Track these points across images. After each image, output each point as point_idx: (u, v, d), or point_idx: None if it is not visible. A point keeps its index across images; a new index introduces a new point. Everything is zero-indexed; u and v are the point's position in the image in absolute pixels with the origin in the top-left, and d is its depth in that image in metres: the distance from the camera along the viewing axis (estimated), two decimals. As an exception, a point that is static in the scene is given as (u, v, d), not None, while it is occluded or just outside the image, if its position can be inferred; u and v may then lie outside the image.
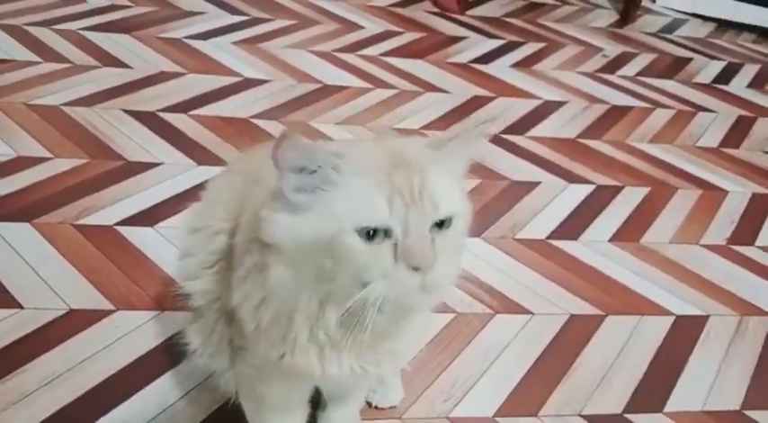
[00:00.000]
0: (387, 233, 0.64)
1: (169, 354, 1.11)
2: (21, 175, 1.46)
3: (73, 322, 1.16)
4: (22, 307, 1.17)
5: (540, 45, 2.51)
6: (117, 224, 1.37)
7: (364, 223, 0.63)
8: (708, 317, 1.41)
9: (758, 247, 1.64)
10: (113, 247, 1.32)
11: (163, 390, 1.08)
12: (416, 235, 0.64)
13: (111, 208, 1.41)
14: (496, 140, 1.88)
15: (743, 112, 2.27)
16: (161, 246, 1.33)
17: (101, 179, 1.49)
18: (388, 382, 1.09)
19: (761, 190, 1.87)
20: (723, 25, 3.00)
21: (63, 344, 1.12)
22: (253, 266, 0.73)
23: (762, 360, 1.32)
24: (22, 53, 1.90)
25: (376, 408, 1.10)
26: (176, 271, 0.94)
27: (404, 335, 0.79)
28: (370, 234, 0.63)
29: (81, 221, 1.37)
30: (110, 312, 1.19)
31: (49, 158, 1.52)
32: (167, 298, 1.19)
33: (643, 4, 3.05)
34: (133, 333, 1.16)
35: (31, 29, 2.03)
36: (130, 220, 1.38)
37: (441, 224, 0.66)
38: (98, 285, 1.24)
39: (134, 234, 1.35)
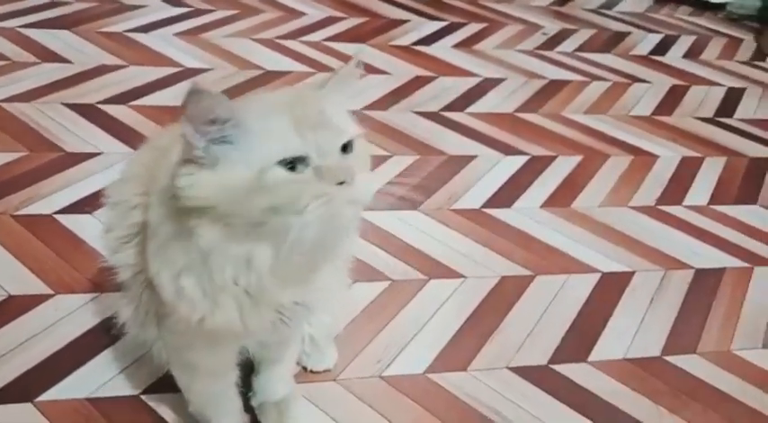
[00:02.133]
0: (305, 161, 0.69)
1: (107, 332, 1.14)
2: (-41, 170, 1.48)
3: (12, 307, 1.19)
4: (-40, 295, 1.20)
5: (482, 25, 2.57)
6: (56, 213, 1.40)
7: (282, 155, 0.68)
8: (633, 272, 1.48)
9: (685, 207, 1.72)
10: (52, 235, 1.34)
11: (102, 365, 1.11)
12: (331, 155, 0.70)
13: (50, 198, 1.43)
14: (435, 118, 1.94)
15: (677, 82, 2.36)
16: (99, 231, 1.35)
17: (40, 171, 1.50)
18: (321, 346, 1.14)
19: (690, 153, 1.95)
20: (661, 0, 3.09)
21: (3, 328, 1.15)
22: (171, 235, 0.76)
23: (683, 310, 1.40)
24: (-40, 53, 1.90)
25: (311, 371, 1.15)
26: (101, 246, 0.97)
27: (319, 285, 0.83)
28: (290, 165, 0.68)
29: (20, 212, 1.39)
30: (49, 296, 1.22)
31: (-12, 153, 1.54)
32: (105, 280, 1.22)
33: (585, -18, 3.13)
34: (72, 315, 1.19)
35: (-32, 28, 2.02)
36: (69, 209, 1.41)
37: (345, 148, 0.72)
38: (37, 272, 1.26)
39: (73, 221, 1.38)
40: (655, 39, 2.69)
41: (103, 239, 0.94)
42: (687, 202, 1.74)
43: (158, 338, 0.95)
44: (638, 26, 2.78)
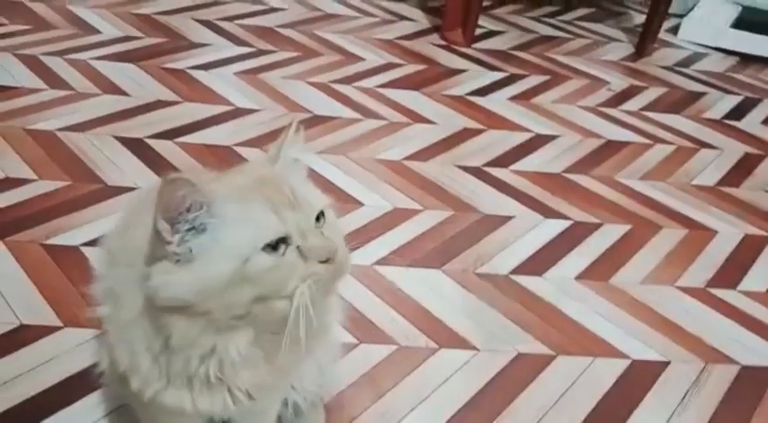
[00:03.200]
0: (285, 241, 0.68)
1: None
2: (4, 195, 1.55)
3: (20, 337, 1.21)
4: (-25, 320, 1.24)
5: (544, 78, 2.50)
6: (83, 245, 1.44)
7: (266, 239, 0.66)
8: (668, 362, 1.35)
9: (740, 292, 1.57)
10: (74, 267, 1.37)
11: (89, 407, 1.11)
12: (310, 232, 0.70)
13: (80, 229, 1.47)
14: (477, 173, 1.88)
15: (750, 150, 2.19)
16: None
17: (77, 201, 1.56)
18: (306, 414, 1.09)
19: (755, 231, 1.79)
20: (747, 59, 2.91)
21: (6, 358, 1.17)
22: (135, 318, 0.74)
23: (720, 411, 1.26)
24: (32, 81, 2.02)
25: (295, 438, 1.11)
26: (93, 294, 0.98)
27: (281, 367, 0.80)
28: (273, 248, 0.67)
29: (49, 241, 1.44)
30: (57, 329, 1.24)
31: (34, 180, 1.61)
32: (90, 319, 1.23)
33: (663, 37, 3.00)
34: (74, 350, 1.20)
35: (45, 58, 2.16)
36: (95, 242, 1.44)
37: (317, 219, 0.72)
38: (52, 303, 1.29)
39: (96, 255, 1.41)
40: (732, 101, 2.52)
41: (93, 289, 0.94)
42: (743, 286, 1.59)
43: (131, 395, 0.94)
44: (715, 87, 2.62)
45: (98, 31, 2.38)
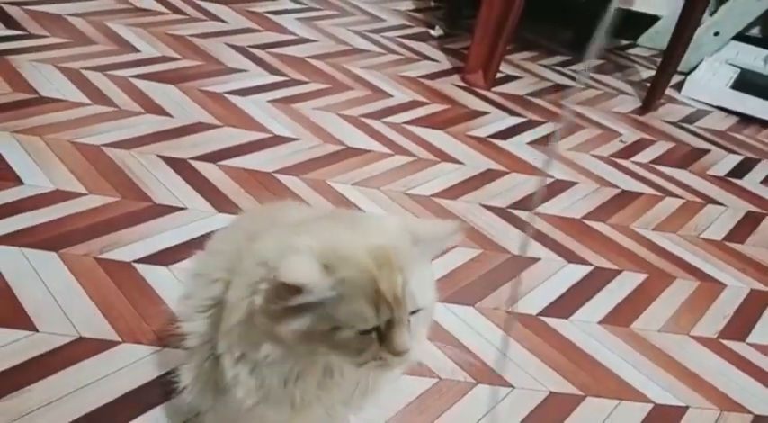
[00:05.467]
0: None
1: (163, 389, 1.20)
2: (56, 207, 1.60)
3: (80, 350, 1.26)
4: (36, 330, 1.28)
5: (560, 126, 2.62)
6: (136, 261, 1.48)
7: (359, 328, 0.74)
8: (686, 408, 1.44)
9: (748, 344, 1.67)
10: (129, 283, 1.42)
11: (152, 422, 1.16)
12: (398, 325, 0.75)
13: (132, 246, 1.52)
14: (502, 214, 1.97)
15: (753, 208, 2.32)
16: (173, 285, 1.43)
17: (128, 218, 1.61)
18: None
19: (759, 286, 1.90)
20: (746, 120, 3.07)
21: (66, 370, 1.21)
22: (239, 325, 0.82)
23: (736, 457, 1.35)
24: (76, 95, 2.08)
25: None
26: (177, 311, 1.04)
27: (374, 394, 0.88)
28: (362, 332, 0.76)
29: (103, 256, 1.48)
30: (115, 343, 1.29)
31: (84, 194, 1.66)
32: (169, 335, 1.28)
33: (668, 93, 3.15)
34: (133, 365, 1.25)
35: (86, 73, 2.21)
36: (148, 259, 1.49)
37: (413, 311, 0.78)
38: (109, 317, 1.34)
39: (150, 272, 1.46)
40: (734, 160, 2.66)
41: (180, 305, 1.01)
42: (751, 339, 1.69)
43: (211, 409, 0.99)
44: (718, 144, 2.77)
45: (136, 50, 2.44)
